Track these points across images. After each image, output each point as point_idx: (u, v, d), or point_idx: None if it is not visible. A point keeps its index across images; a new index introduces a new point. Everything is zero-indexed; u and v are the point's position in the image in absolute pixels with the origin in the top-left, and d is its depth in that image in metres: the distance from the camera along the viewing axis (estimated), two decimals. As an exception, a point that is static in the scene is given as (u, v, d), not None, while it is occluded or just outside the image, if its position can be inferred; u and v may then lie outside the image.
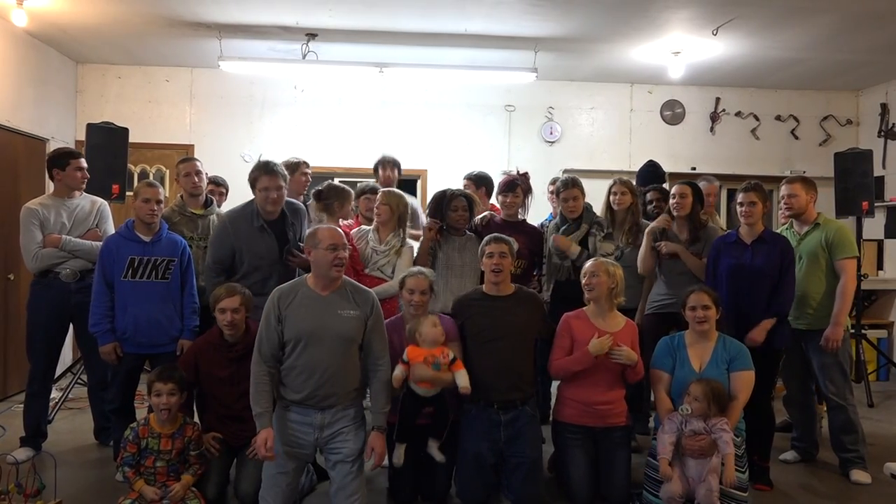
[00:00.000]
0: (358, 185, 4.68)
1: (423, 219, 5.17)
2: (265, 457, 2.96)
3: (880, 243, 6.72)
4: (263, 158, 3.74)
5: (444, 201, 3.95)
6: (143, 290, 3.57)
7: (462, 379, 3.14)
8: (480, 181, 4.77)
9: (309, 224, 4.16)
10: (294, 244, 3.71)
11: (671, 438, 3.11)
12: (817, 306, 3.75)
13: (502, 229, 3.89)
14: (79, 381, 4.90)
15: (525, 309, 3.43)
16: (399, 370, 3.13)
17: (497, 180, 4.95)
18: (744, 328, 3.53)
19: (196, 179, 4.13)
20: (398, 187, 4.48)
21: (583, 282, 3.43)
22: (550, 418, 3.66)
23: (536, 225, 4.41)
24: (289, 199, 3.83)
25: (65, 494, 3.22)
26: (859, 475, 3.71)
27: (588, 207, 4.11)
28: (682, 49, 5.68)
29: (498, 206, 4.36)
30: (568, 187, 4.03)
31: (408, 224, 4.07)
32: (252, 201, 3.71)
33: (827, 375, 3.76)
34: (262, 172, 3.62)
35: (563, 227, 4.04)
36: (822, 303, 3.74)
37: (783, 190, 3.85)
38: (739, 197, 3.67)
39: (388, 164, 5.02)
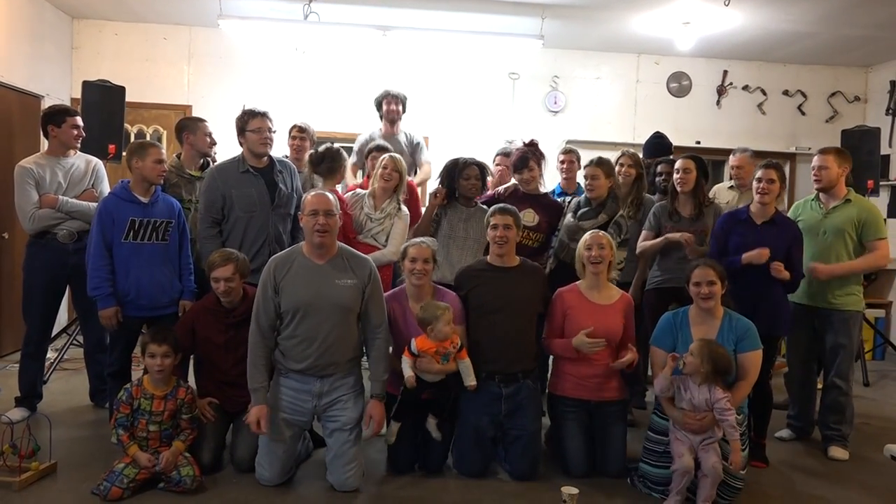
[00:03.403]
0: (367, 145, 4.68)
1: (426, 155, 5.14)
2: (257, 432, 2.98)
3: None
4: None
5: (456, 169, 3.87)
6: (144, 253, 3.51)
7: (468, 378, 3.14)
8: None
9: (308, 188, 4.11)
10: (287, 194, 3.70)
11: (666, 383, 3.01)
12: (841, 286, 3.68)
13: (524, 202, 3.84)
14: (74, 342, 4.87)
15: (529, 282, 3.39)
16: (408, 362, 3.09)
17: (499, 148, 4.88)
18: (749, 309, 3.44)
19: (213, 139, 4.11)
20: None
21: (588, 254, 3.35)
22: (546, 391, 3.64)
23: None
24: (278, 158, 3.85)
25: (60, 456, 3.21)
26: (836, 451, 3.73)
27: (614, 198, 3.88)
28: (692, 19, 5.56)
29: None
30: (591, 165, 3.85)
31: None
32: (238, 155, 3.71)
33: (838, 356, 3.73)
34: (252, 115, 3.64)
35: (582, 211, 3.86)
36: (848, 284, 3.68)
37: (815, 161, 3.74)
38: (759, 173, 3.60)
39: (392, 98, 5.02)
